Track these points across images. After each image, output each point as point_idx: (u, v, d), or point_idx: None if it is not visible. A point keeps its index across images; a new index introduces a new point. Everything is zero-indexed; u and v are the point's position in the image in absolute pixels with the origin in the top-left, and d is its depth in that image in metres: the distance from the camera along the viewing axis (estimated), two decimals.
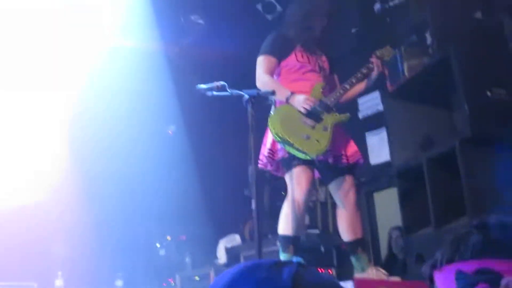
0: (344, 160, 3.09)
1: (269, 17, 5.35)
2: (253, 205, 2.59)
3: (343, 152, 3.10)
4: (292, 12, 3.37)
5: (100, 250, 5.15)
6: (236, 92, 2.81)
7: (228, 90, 2.82)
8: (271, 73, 3.18)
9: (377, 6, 4.62)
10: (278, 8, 5.19)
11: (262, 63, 3.18)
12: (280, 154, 3.04)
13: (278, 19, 5.04)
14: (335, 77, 3.39)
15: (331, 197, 3.37)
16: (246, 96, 2.75)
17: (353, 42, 4.86)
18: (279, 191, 4.79)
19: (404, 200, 3.46)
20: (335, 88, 3.22)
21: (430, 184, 3.15)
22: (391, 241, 4.02)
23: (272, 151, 3.08)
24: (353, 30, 4.92)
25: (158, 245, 5.71)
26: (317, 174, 3.20)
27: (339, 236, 3.21)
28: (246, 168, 2.67)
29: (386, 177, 4.29)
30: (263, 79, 3.12)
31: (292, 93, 3.03)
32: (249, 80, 3.20)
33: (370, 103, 4.75)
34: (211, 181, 5.80)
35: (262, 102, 3.14)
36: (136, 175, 5.53)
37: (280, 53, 3.19)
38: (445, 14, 3.42)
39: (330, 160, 3.03)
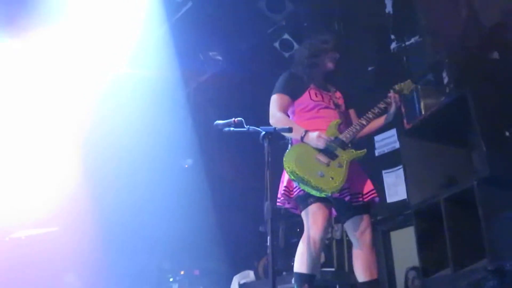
0: (361, 199, 3.05)
1: (286, 54, 5.45)
2: (268, 242, 2.57)
3: (359, 191, 3.06)
4: (300, 52, 3.45)
5: (112, 283, 5.12)
6: (253, 128, 2.84)
7: (245, 126, 2.86)
8: (285, 111, 3.19)
9: (393, 45, 4.68)
10: (295, 46, 5.29)
11: (275, 101, 3.18)
12: (295, 192, 3.03)
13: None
14: (352, 112, 3.37)
15: (347, 235, 3.32)
16: (263, 133, 2.77)
17: (370, 80, 4.90)
18: (295, 228, 4.76)
19: (422, 240, 3.40)
20: (352, 124, 3.20)
21: (448, 225, 3.10)
22: (407, 282, 3.94)
23: (288, 189, 3.06)
24: (370, 69, 4.98)
25: (171, 279, 5.66)
26: (333, 212, 3.17)
27: (354, 274, 3.15)
28: (262, 204, 2.66)
29: (403, 216, 4.24)
30: (277, 117, 3.12)
31: (306, 131, 3.03)
32: (266, 116, 3.22)
33: (387, 141, 4.74)
34: (226, 216, 5.79)
35: (279, 140, 3.15)
36: (151, 207, 5.55)
37: (293, 91, 3.20)
38: (461, 54, 3.44)
39: (347, 199, 2.99)
